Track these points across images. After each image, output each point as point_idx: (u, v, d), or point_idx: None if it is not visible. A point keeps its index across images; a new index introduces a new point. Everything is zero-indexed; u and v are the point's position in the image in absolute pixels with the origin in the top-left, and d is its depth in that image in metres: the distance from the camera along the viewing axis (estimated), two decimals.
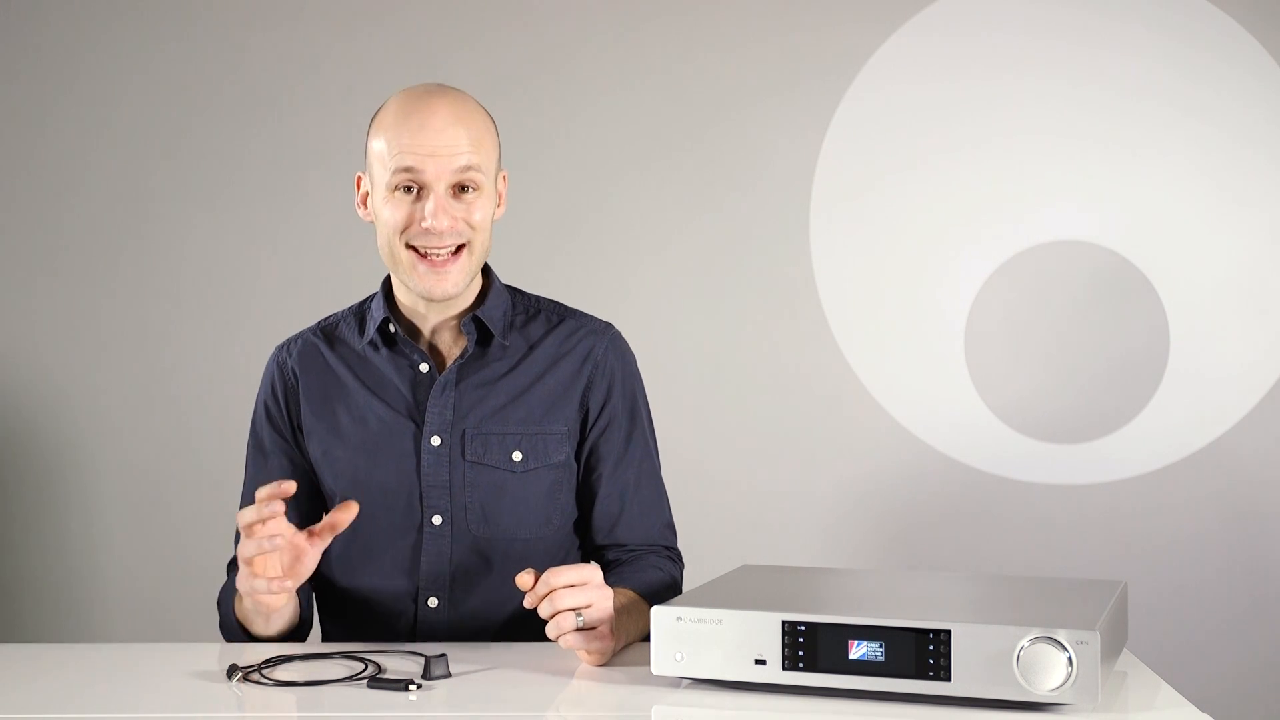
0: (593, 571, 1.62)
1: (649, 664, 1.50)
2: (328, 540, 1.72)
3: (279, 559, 1.69)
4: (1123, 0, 3.22)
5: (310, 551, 1.71)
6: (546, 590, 1.59)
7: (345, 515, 1.69)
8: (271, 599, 1.73)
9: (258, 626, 1.79)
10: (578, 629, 1.58)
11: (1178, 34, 3.21)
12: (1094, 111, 3.22)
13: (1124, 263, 3.23)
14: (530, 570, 1.61)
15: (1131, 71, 3.22)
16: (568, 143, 3.26)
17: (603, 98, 3.27)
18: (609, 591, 1.62)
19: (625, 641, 1.70)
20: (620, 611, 1.66)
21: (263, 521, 1.62)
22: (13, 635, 3.25)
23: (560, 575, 1.59)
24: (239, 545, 1.67)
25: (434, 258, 1.81)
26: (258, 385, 2.00)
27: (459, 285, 1.84)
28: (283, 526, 1.65)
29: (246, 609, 1.78)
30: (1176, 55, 3.21)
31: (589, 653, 1.62)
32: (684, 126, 3.27)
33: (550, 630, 1.59)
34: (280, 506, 1.62)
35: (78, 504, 3.30)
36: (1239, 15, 3.20)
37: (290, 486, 1.62)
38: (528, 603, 1.60)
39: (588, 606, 1.59)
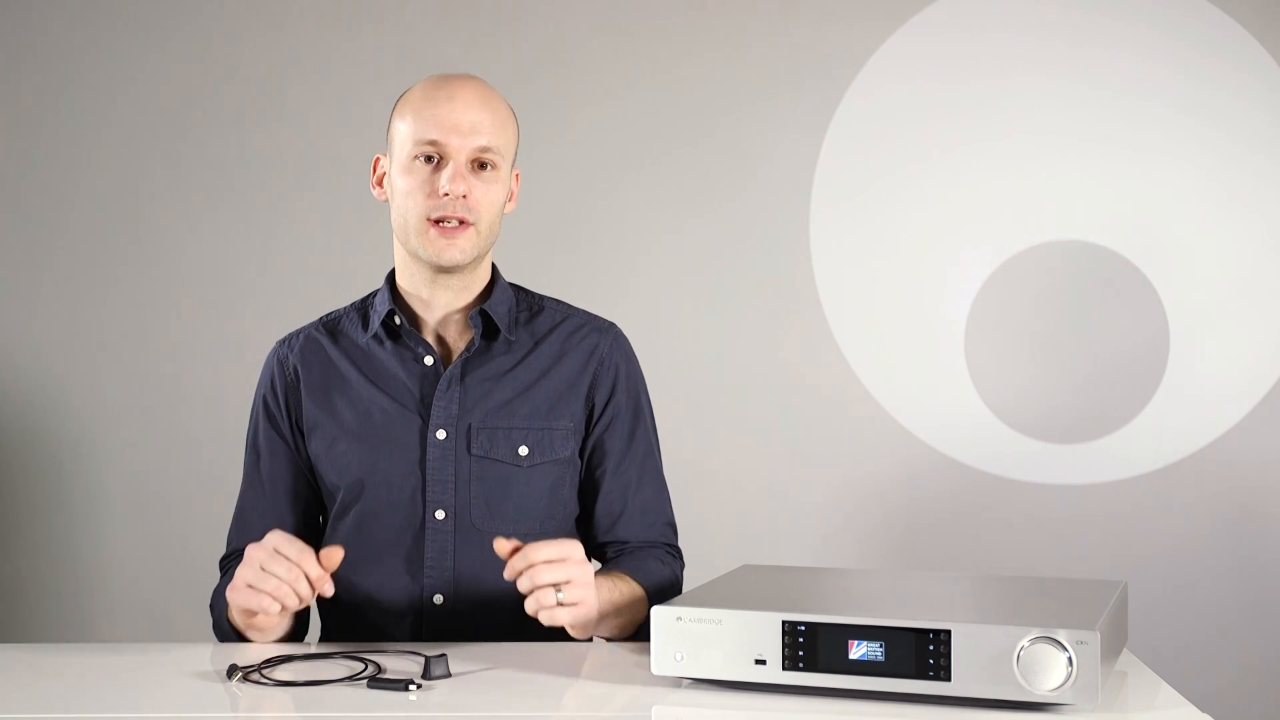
0: (572, 547, 1.67)
1: (649, 664, 1.50)
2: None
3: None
4: (1123, 0, 3.22)
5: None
6: (525, 565, 1.64)
7: (332, 561, 1.70)
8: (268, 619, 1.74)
9: (253, 635, 1.79)
10: (559, 604, 1.64)
11: (1178, 34, 3.21)
12: (1094, 111, 3.22)
13: (1124, 263, 3.23)
14: (511, 539, 1.66)
15: (1132, 71, 3.22)
16: (568, 143, 3.26)
17: (603, 98, 3.27)
18: (589, 567, 1.68)
19: (616, 621, 1.76)
20: (607, 590, 1.73)
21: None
22: (13, 635, 3.25)
23: (540, 550, 1.64)
24: (238, 577, 1.68)
25: (445, 225, 1.83)
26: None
27: (467, 254, 1.85)
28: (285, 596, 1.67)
29: (239, 624, 1.79)
30: (1176, 55, 3.21)
31: (569, 626, 1.68)
32: (684, 126, 3.27)
33: (530, 605, 1.65)
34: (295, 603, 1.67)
35: (78, 504, 3.30)
36: (1239, 15, 3.20)
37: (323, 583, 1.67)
38: (507, 574, 1.65)
39: (567, 582, 1.64)
